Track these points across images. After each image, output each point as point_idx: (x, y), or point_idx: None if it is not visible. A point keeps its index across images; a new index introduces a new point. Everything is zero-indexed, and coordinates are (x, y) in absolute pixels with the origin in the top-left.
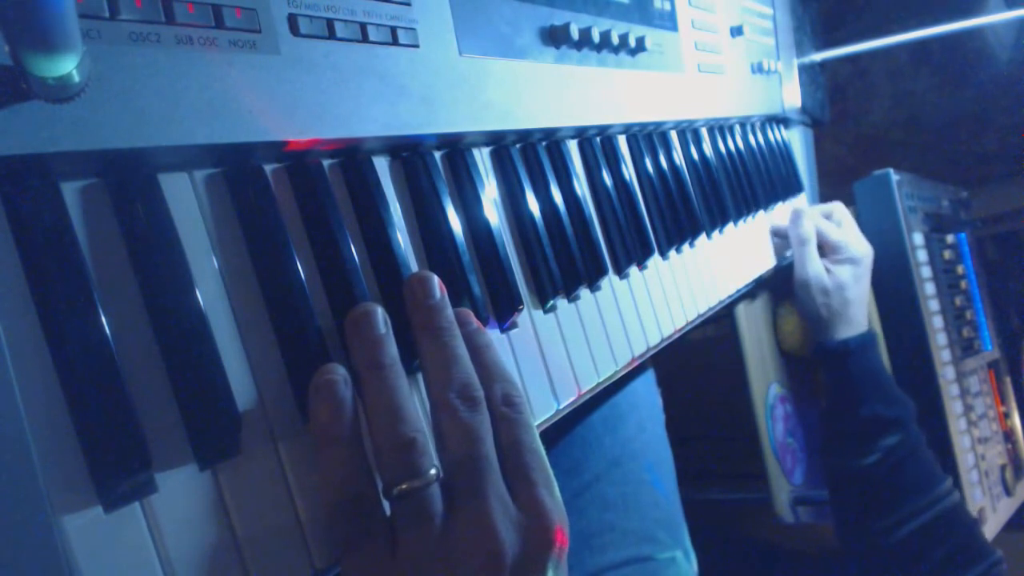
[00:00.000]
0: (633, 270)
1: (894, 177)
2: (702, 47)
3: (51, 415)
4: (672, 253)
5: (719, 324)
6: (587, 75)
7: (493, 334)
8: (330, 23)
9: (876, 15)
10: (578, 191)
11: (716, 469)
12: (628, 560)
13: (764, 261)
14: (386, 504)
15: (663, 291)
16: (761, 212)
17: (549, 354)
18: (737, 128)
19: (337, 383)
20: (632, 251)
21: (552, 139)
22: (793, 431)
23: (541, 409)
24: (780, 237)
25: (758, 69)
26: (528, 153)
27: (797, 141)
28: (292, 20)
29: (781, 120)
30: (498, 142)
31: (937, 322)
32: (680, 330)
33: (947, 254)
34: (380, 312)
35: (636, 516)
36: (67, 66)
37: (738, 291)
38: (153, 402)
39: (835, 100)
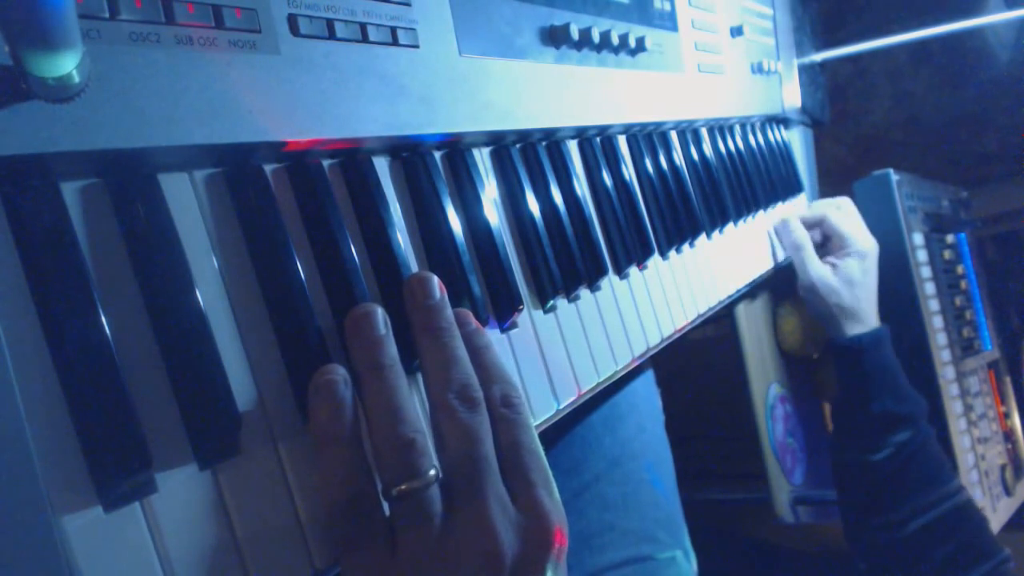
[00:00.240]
0: (633, 270)
1: (894, 177)
2: (702, 47)
3: (51, 415)
4: (672, 253)
5: (719, 324)
6: (587, 75)
7: (493, 334)
8: (330, 23)
9: (876, 15)
10: (578, 191)
11: (716, 469)
12: (628, 560)
13: (764, 261)
14: (386, 505)
15: (663, 291)
16: (761, 212)
17: (549, 354)
18: (737, 128)
19: (337, 383)
20: (632, 251)
21: (552, 139)
22: (793, 431)
23: (541, 409)
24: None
25: (758, 69)
26: (528, 153)
27: (797, 141)
28: (292, 20)
29: (781, 120)
30: (498, 142)
31: (937, 322)
32: (680, 330)
33: (947, 254)
34: (380, 312)
35: (636, 516)
36: (67, 66)
37: (738, 291)
38: (153, 402)
39: (835, 100)
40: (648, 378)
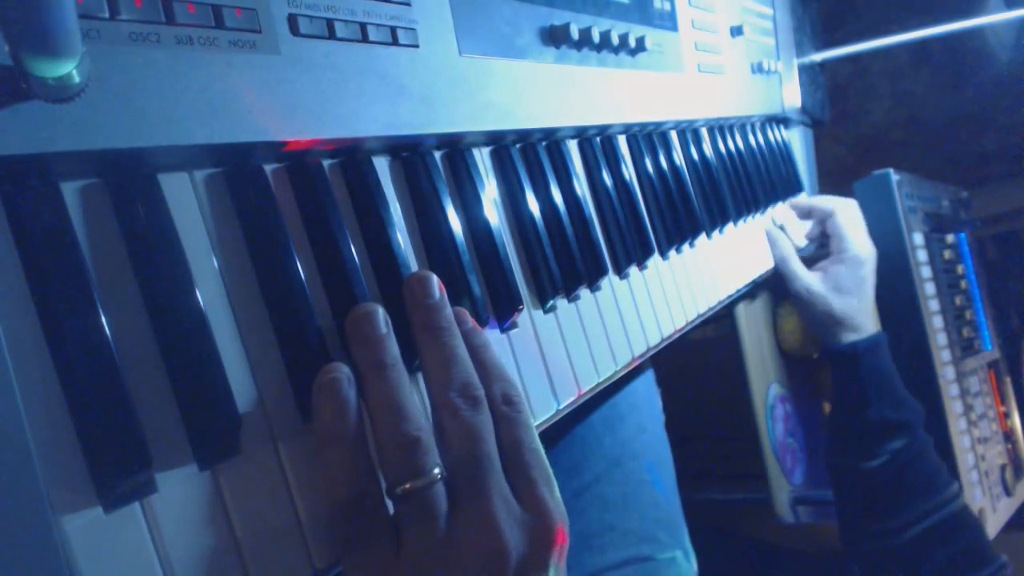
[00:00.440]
0: (633, 270)
1: (894, 177)
2: (702, 47)
3: (51, 415)
4: (672, 253)
5: (719, 324)
6: (587, 75)
7: (493, 334)
8: (330, 23)
9: (876, 15)
10: (578, 191)
11: (716, 469)
12: (628, 560)
13: (764, 261)
14: (389, 504)
15: (663, 291)
16: (761, 212)
17: (549, 354)
18: (737, 128)
19: (341, 382)
20: (632, 251)
21: (552, 139)
22: (793, 431)
23: (541, 409)
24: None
25: (758, 69)
26: (528, 153)
27: (797, 141)
28: (292, 20)
29: (781, 120)
30: (498, 142)
31: (937, 322)
32: (680, 330)
33: (947, 254)
34: (381, 312)
35: (636, 516)
36: (67, 66)
37: (738, 291)
38: (153, 402)
39: (835, 100)
40: (648, 378)
